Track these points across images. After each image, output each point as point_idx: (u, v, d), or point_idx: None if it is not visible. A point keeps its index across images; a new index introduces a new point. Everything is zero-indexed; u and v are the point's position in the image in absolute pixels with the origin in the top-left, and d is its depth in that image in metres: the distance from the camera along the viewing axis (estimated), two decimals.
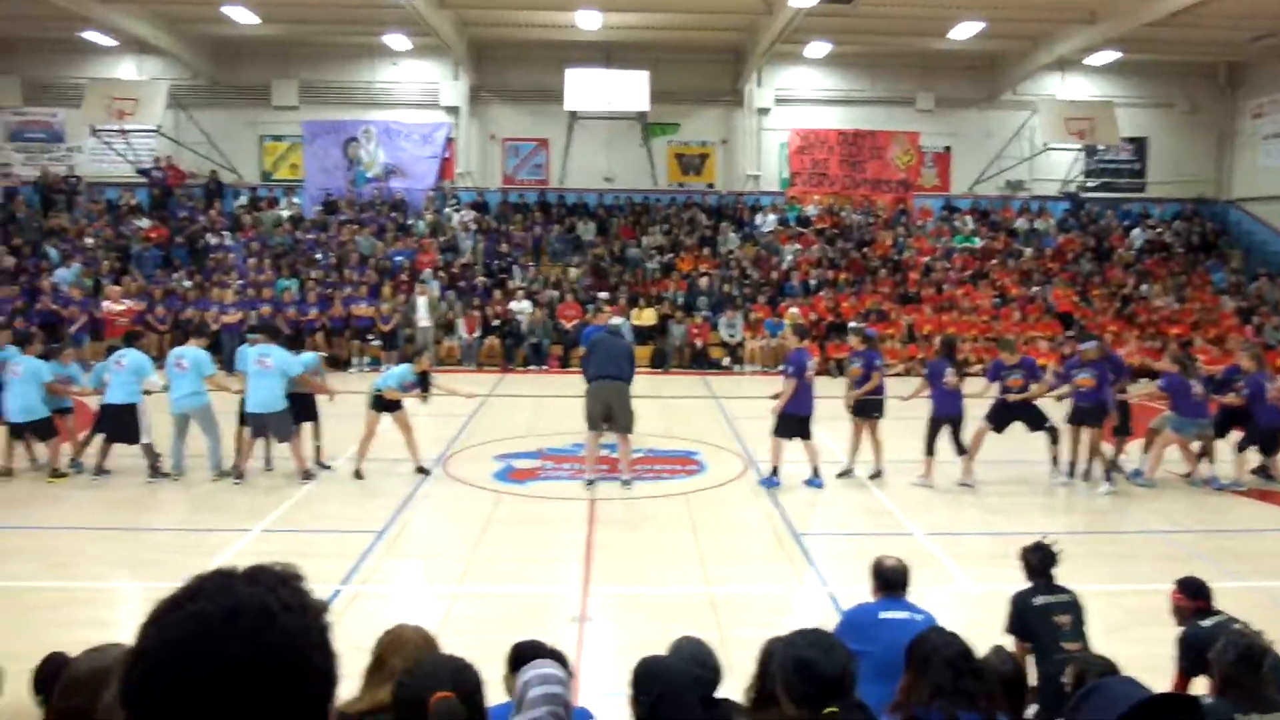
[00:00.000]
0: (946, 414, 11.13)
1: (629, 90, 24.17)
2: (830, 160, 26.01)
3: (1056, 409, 11.64)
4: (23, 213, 24.00)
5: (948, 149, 27.08)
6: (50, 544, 8.97)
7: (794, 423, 11.02)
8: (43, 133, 26.32)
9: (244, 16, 22.17)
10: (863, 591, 5.53)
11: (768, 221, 25.59)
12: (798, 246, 24.55)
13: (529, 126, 26.77)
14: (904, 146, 26.09)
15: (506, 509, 10.17)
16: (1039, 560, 5.47)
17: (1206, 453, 11.60)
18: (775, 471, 11.07)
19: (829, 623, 5.44)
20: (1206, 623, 4.86)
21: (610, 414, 10.81)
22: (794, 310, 21.53)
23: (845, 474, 11.43)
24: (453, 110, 26.31)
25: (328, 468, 11.47)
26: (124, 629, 6.91)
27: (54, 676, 3.24)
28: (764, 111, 26.58)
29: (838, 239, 24.90)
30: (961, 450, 11.14)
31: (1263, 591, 7.76)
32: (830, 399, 11.98)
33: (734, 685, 3.65)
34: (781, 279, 23.34)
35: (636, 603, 7.59)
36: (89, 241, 23.08)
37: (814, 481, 11.02)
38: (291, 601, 1.26)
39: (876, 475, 11.32)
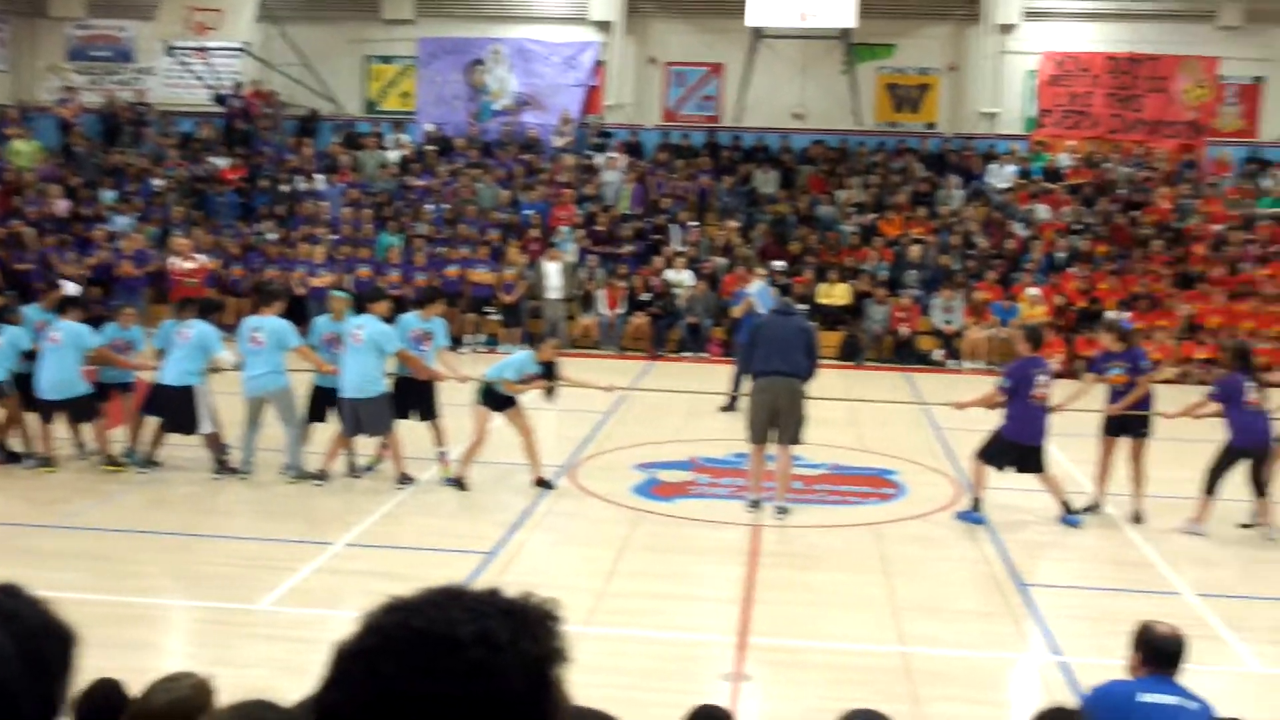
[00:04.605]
0: (1250, 444, 10.63)
1: (831, 1, 23.94)
2: (1094, 94, 25.29)
3: None
4: (82, 147, 25.55)
5: (1258, 80, 25.91)
6: (96, 548, 9.54)
7: (1014, 452, 10.80)
8: (108, 50, 27.97)
9: None
10: (1109, 665, 5.39)
11: (1004, 174, 24.97)
12: (1043, 207, 23.89)
13: (699, 48, 26.89)
14: (1196, 77, 25.04)
15: (647, 532, 10.30)
16: None
17: None
18: (977, 504, 10.90)
19: (1065, 702, 5.31)
20: None
21: (777, 419, 10.78)
22: (1033, 291, 20.98)
23: (1090, 509, 11.12)
24: (604, 26, 26.64)
25: (428, 482, 11.73)
26: (176, 654, 7.35)
27: (105, 707, 3.56)
28: (1007, 29, 25.97)
29: (1098, 198, 24.10)
30: (1262, 490, 10.66)
31: None
32: (1079, 410, 11.63)
33: None
34: (1019, 250, 22.75)
35: (807, 662, 7.61)
36: (157, 183, 24.37)
37: (1071, 518, 10.82)
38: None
39: (1138, 519, 10.96)
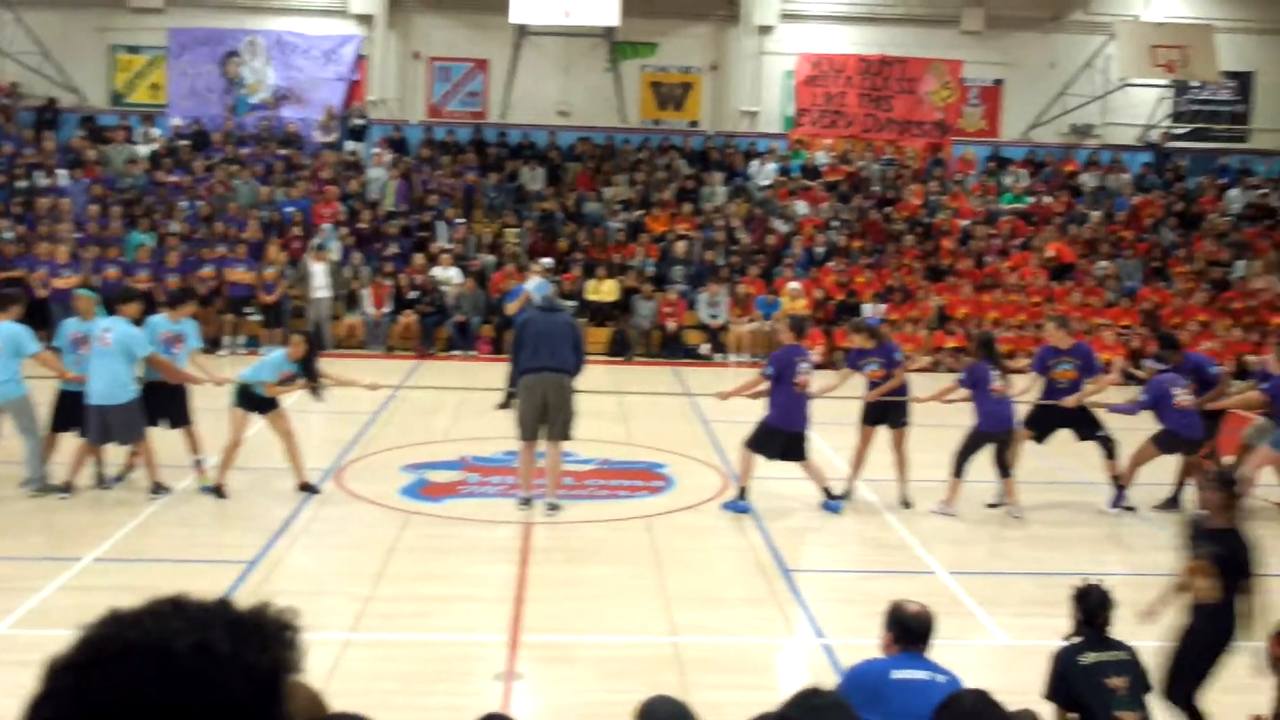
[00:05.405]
0: (995, 429, 11.15)
1: None
2: (848, 94, 26.11)
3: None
4: None
5: (998, 83, 27.25)
6: None
7: (780, 440, 11.04)
8: None
9: None
10: (868, 644, 5.54)
11: (765, 171, 25.64)
12: (802, 204, 24.60)
13: (464, 44, 26.66)
14: (942, 79, 26.22)
15: (416, 534, 10.15)
16: (1089, 608, 5.51)
17: None
18: (744, 493, 11.13)
19: (825, 683, 5.44)
20: None
21: (546, 415, 10.77)
22: (794, 286, 21.58)
23: (844, 496, 11.47)
24: (365, 19, 26.17)
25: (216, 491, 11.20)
26: None
27: None
28: (765, 30, 26.60)
29: (853, 195, 24.98)
30: (1006, 471, 11.20)
31: None
32: (838, 399, 12.01)
33: None
34: (780, 245, 23.39)
35: (579, 656, 7.62)
36: None
37: (832, 504, 11.13)
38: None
39: (906, 504, 11.38)
